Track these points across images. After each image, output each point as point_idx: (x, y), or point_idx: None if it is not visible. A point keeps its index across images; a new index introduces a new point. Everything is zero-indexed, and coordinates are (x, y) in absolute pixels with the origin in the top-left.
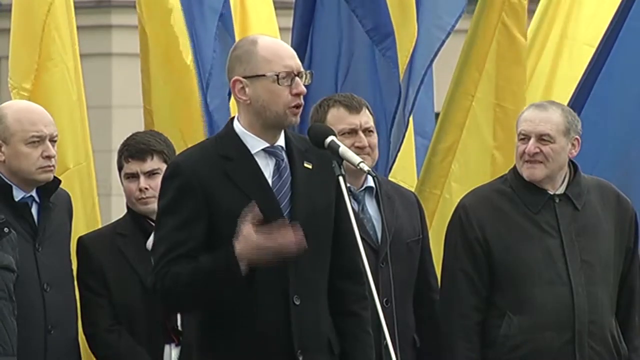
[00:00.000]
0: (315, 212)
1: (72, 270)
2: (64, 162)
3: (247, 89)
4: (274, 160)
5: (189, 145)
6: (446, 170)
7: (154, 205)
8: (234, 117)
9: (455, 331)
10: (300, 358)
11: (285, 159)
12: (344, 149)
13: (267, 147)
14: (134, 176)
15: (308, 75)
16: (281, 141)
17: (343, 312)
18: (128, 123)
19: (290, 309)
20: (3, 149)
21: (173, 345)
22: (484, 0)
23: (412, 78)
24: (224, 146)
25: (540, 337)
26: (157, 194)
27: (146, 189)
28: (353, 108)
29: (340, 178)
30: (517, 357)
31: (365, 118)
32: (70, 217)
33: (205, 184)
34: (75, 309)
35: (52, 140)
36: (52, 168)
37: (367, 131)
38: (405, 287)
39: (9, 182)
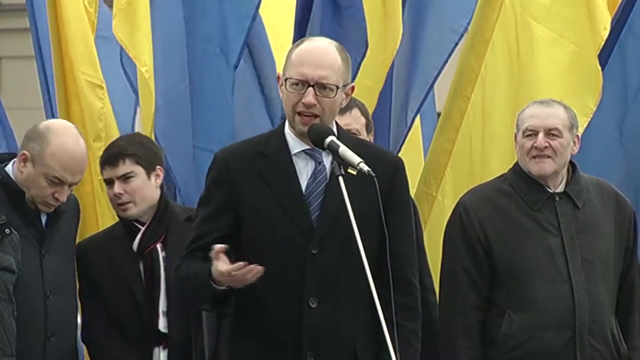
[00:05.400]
0: (348, 217)
1: (75, 276)
2: None
3: (282, 87)
4: (314, 163)
5: None
6: (442, 172)
7: (132, 212)
8: None
9: (456, 330)
10: None
11: (325, 163)
12: (343, 149)
13: (307, 149)
14: (110, 182)
15: (336, 89)
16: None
17: (386, 322)
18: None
19: (304, 312)
20: (28, 164)
21: (161, 347)
22: (484, 1)
23: (417, 80)
24: (267, 143)
25: (541, 335)
26: (133, 198)
27: (120, 194)
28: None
29: (340, 178)
30: (517, 356)
31: (349, 120)
32: (77, 222)
33: (235, 178)
34: (75, 316)
35: (71, 186)
36: (54, 207)
37: (350, 133)
38: None
39: (22, 188)
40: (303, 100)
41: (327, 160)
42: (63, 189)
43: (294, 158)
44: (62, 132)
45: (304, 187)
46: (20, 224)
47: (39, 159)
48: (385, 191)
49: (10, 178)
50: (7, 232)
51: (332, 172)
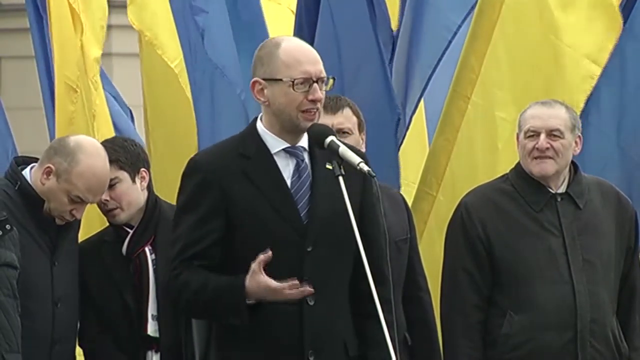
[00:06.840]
0: (335, 212)
1: (78, 284)
2: None
3: (265, 91)
4: (295, 160)
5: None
6: (442, 172)
7: (120, 217)
8: (257, 117)
9: (456, 330)
10: (312, 359)
11: (306, 160)
12: (343, 149)
13: (288, 147)
14: None
15: (330, 82)
16: (303, 141)
17: (365, 314)
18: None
19: (304, 310)
20: (51, 177)
21: (153, 351)
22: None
23: (414, 78)
24: (244, 145)
25: (542, 336)
26: (120, 204)
27: (107, 200)
28: (328, 108)
29: (340, 178)
30: (518, 356)
31: (341, 119)
32: (78, 230)
33: (222, 181)
34: (77, 323)
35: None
36: (68, 221)
37: (340, 132)
38: (395, 286)
39: (40, 196)
40: (313, 97)
41: (307, 157)
42: (82, 207)
43: (274, 157)
44: (92, 153)
45: (288, 184)
46: (35, 230)
47: (64, 176)
48: (361, 188)
49: (29, 185)
50: (8, 228)
51: (313, 168)
